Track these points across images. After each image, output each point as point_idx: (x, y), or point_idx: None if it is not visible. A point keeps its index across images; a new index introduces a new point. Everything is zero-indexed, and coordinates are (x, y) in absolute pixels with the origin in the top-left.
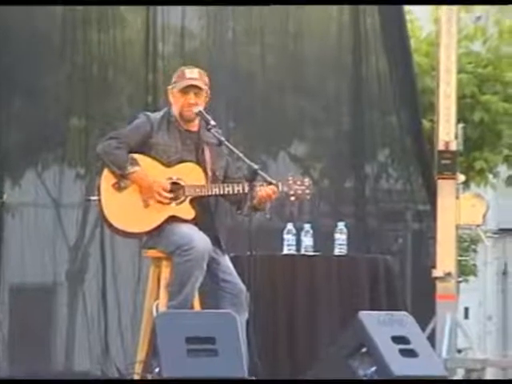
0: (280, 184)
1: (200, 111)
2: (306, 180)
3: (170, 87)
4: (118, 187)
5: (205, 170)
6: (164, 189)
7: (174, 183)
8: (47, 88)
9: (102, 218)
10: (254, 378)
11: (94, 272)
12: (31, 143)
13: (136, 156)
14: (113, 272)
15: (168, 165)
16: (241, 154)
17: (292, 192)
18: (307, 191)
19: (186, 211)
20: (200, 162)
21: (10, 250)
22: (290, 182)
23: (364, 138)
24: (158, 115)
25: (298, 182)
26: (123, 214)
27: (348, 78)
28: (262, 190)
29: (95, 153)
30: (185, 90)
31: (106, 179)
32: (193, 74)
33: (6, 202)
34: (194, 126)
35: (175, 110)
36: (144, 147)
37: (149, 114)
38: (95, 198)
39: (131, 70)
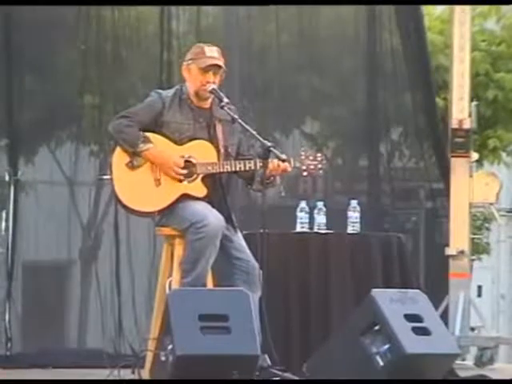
0: (292, 159)
1: (213, 89)
2: (319, 155)
3: (185, 63)
4: (131, 166)
5: (217, 147)
6: (178, 165)
7: (185, 161)
8: (60, 66)
9: (115, 197)
10: (266, 357)
11: (108, 249)
12: (45, 121)
13: (148, 134)
14: (127, 249)
15: (180, 143)
16: (254, 132)
17: (304, 167)
18: (319, 166)
19: (199, 189)
20: (212, 138)
21: (23, 227)
22: (303, 157)
23: (378, 116)
24: (169, 93)
25: (311, 158)
26: (136, 193)
27: (362, 55)
28: (271, 164)
29: (107, 131)
30: (205, 69)
31: (119, 158)
32: (213, 53)
33: (20, 179)
34: (207, 104)
35: (190, 86)
36: (156, 125)
37: (160, 91)
38: (107, 176)
39: (145, 47)
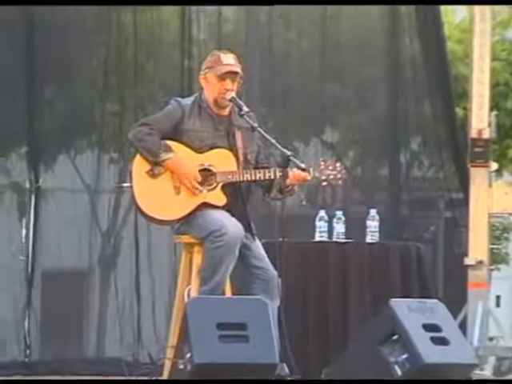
0: (311, 169)
1: (233, 97)
2: (338, 165)
3: (202, 72)
4: (152, 174)
5: (236, 155)
6: (196, 179)
7: (205, 169)
8: (81, 73)
9: (135, 205)
10: (284, 365)
11: (128, 257)
12: (65, 128)
13: (169, 142)
14: (148, 256)
15: (200, 151)
16: (273, 141)
17: (324, 177)
18: (339, 176)
19: (218, 197)
20: (232, 146)
21: (43, 234)
22: (322, 166)
23: (397, 125)
24: (189, 101)
25: (330, 167)
26: (155, 201)
27: (382, 64)
28: (290, 173)
29: (127, 139)
30: (222, 77)
31: (139, 165)
32: (229, 60)
33: (41, 186)
34: (226, 111)
35: (209, 95)
36: (176, 133)
37: (180, 99)
38: (127, 184)
39: (166, 55)
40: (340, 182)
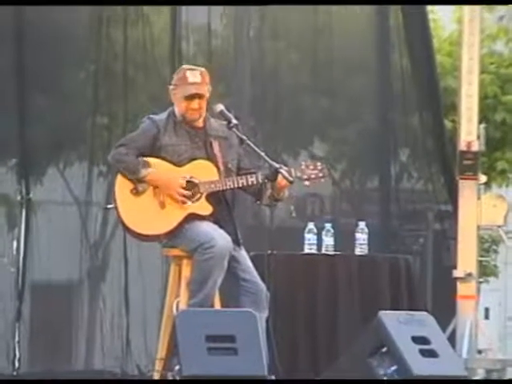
0: (293, 170)
1: (222, 110)
2: (319, 164)
3: (171, 87)
4: (136, 192)
5: (216, 165)
6: (181, 186)
7: (188, 182)
8: (70, 86)
9: (121, 224)
10: (273, 378)
11: (117, 269)
12: (55, 141)
13: (147, 159)
14: (138, 268)
15: (179, 164)
16: (262, 153)
17: (306, 176)
18: (320, 174)
19: (204, 207)
20: (210, 157)
21: (34, 247)
22: (303, 167)
23: (386, 138)
24: (163, 116)
25: (311, 167)
26: (141, 218)
27: (371, 77)
28: (279, 179)
29: (108, 161)
30: (188, 98)
31: (121, 185)
32: (196, 78)
33: (31, 198)
34: (200, 123)
35: (178, 110)
36: (153, 150)
37: (153, 116)
38: (111, 206)
39: (156, 68)
40: (322, 180)
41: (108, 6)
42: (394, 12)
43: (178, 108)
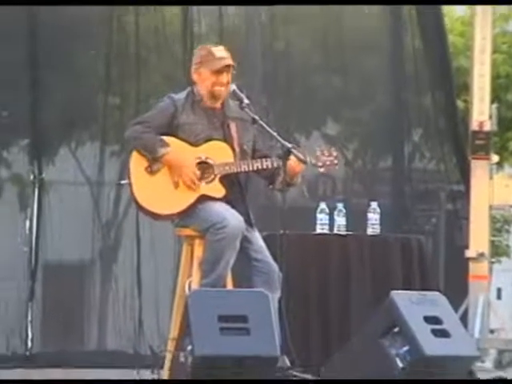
0: (308, 156)
1: (234, 90)
2: (333, 150)
3: (194, 66)
4: (150, 171)
5: (232, 147)
6: (194, 172)
7: (202, 162)
8: (83, 65)
9: (134, 202)
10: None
11: (129, 249)
12: (67, 121)
13: (165, 138)
14: (151, 248)
15: (196, 144)
16: (274, 133)
17: (320, 163)
18: (335, 161)
19: (217, 190)
20: (227, 138)
21: (46, 226)
22: (318, 153)
23: (399, 118)
24: (181, 96)
25: (326, 153)
26: (155, 197)
27: (384, 57)
28: (293, 163)
29: (125, 138)
30: (219, 71)
31: (136, 163)
32: (222, 53)
33: (43, 178)
34: (218, 104)
35: (202, 89)
36: (171, 129)
37: (172, 95)
38: (126, 181)
39: (168, 48)
40: (336, 167)
41: (119, 5)
42: None
43: (203, 86)
